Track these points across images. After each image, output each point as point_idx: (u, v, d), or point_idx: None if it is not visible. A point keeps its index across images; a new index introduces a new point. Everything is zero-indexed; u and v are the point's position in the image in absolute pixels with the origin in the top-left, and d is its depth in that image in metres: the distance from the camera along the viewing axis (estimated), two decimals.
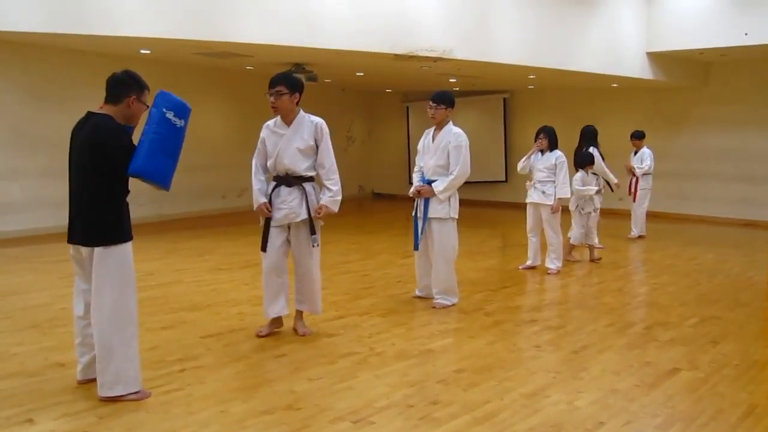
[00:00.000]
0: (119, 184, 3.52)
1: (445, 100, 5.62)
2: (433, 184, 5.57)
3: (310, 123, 4.79)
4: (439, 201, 5.58)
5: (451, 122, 5.70)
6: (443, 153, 5.59)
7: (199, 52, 9.31)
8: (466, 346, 4.71)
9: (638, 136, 10.14)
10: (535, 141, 7.33)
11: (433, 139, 5.73)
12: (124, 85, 3.59)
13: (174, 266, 7.55)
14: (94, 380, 3.69)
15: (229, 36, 7.95)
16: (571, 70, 10.26)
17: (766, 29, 9.58)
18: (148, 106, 3.64)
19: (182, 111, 3.57)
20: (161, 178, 3.50)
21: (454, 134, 5.61)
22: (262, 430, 3.27)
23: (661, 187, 12.72)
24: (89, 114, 3.63)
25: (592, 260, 8.08)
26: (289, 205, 4.70)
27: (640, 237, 10.13)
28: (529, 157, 7.32)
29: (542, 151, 7.31)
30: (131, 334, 3.62)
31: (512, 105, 14.90)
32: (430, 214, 5.62)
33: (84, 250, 3.59)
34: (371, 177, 16.78)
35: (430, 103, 5.62)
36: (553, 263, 7.36)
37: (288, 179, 4.71)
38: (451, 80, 12.44)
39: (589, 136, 8.91)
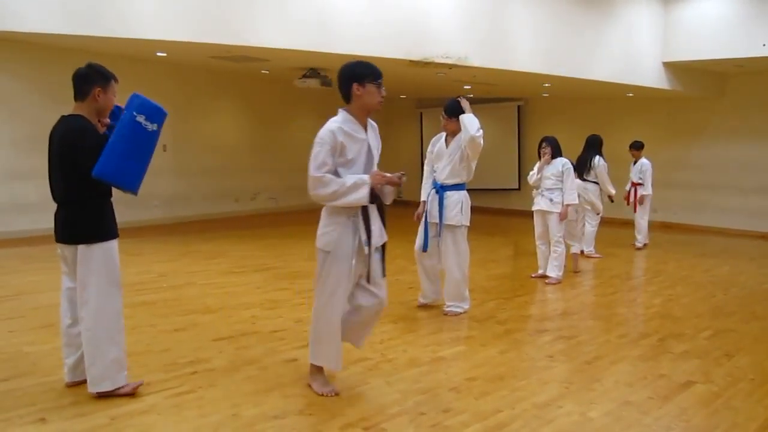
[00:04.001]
0: (91, 185, 3.47)
1: (459, 112, 5.62)
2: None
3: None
4: (453, 207, 5.61)
5: None
6: (458, 159, 5.63)
7: (215, 55, 9.36)
8: (478, 354, 4.68)
9: (637, 147, 10.06)
10: (539, 152, 7.38)
11: (446, 145, 5.74)
12: (87, 79, 3.60)
13: (187, 268, 7.57)
14: (82, 382, 3.74)
15: (246, 40, 7.98)
16: (587, 79, 10.22)
17: None
18: (116, 95, 3.66)
19: (155, 115, 3.53)
20: (125, 182, 3.47)
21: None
22: None
23: (677, 198, 12.66)
24: (61, 117, 3.66)
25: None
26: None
27: (644, 245, 10.17)
28: (541, 169, 7.32)
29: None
30: (116, 330, 3.63)
31: (526, 113, 14.87)
32: (444, 221, 5.64)
33: (67, 249, 3.63)
34: None
35: (444, 114, 5.65)
36: (554, 271, 7.30)
37: None
38: (465, 87, 12.43)
39: (593, 145, 8.98)
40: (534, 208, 7.43)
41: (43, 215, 9.57)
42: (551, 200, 7.21)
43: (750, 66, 10.85)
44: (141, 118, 3.46)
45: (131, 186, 3.51)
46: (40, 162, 9.27)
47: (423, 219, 5.85)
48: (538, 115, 14.68)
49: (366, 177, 3.63)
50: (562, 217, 7.20)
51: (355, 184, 3.60)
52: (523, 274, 7.71)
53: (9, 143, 9.37)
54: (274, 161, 13.70)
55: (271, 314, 5.62)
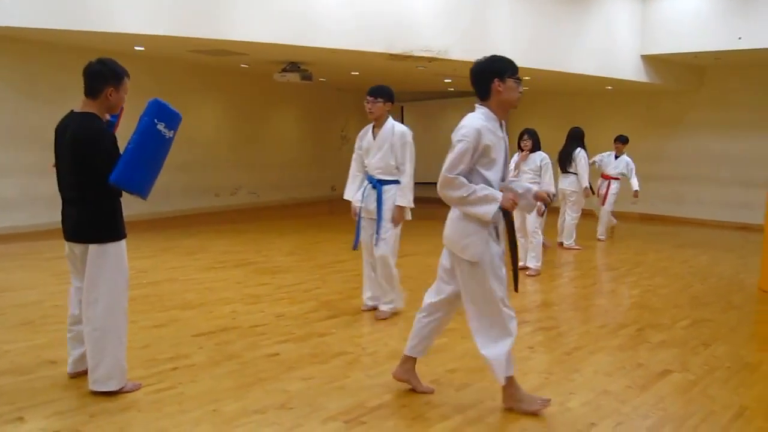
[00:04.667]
0: (105, 185, 3.46)
1: (383, 93, 5.25)
2: (398, 202, 5.24)
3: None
4: (392, 200, 5.25)
5: (390, 118, 5.37)
6: (388, 151, 5.24)
7: (194, 49, 9.29)
8: (459, 346, 4.71)
9: (623, 141, 10.03)
10: (519, 144, 7.39)
11: (374, 137, 5.33)
12: (100, 78, 3.55)
13: (167, 264, 7.53)
14: (84, 372, 3.72)
15: (225, 34, 7.93)
16: (566, 72, 10.27)
17: (760, 33, 9.63)
18: (126, 93, 3.62)
19: (174, 121, 3.52)
20: (140, 189, 3.48)
21: (398, 133, 5.26)
22: (254, 430, 3.26)
23: (656, 190, 12.79)
24: (72, 113, 3.61)
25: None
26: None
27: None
28: (518, 165, 7.35)
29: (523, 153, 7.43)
30: (123, 331, 3.66)
31: None
32: (384, 217, 5.27)
33: (77, 248, 3.61)
34: None
35: (368, 97, 5.24)
36: (532, 262, 7.38)
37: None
38: (446, 80, 12.45)
39: (575, 138, 9.08)
40: None
41: (21, 212, 9.53)
42: None
43: (727, 59, 10.97)
44: (161, 126, 3.44)
45: (143, 192, 3.50)
46: (16, 158, 9.28)
47: (358, 216, 5.44)
48: (518, 108, 14.62)
49: (498, 194, 3.38)
50: (540, 212, 7.20)
51: (486, 198, 3.35)
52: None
53: None
54: (254, 156, 13.64)
55: (252, 309, 5.60)
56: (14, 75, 9.46)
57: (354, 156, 5.56)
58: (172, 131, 3.51)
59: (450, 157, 3.37)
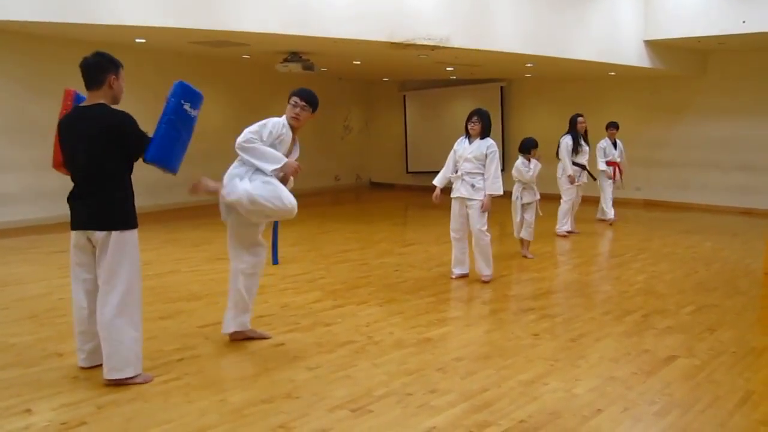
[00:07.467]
0: (128, 168, 3.65)
1: (314, 102, 4.50)
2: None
3: None
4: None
5: None
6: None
7: (196, 41, 9.27)
8: (464, 334, 4.71)
9: (616, 126, 10.11)
10: (466, 127, 6.27)
11: (294, 142, 4.66)
12: (100, 68, 3.61)
13: (172, 256, 7.54)
14: (99, 366, 3.73)
15: (226, 25, 7.91)
16: (569, 59, 10.22)
17: (764, 17, 9.55)
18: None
19: (197, 101, 3.79)
20: (173, 165, 3.68)
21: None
22: (261, 419, 3.27)
23: (660, 176, 12.76)
24: (81, 108, 3.64)
25: (524, 255, 7.58)
26: None
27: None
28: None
29: (470, 138, 6.25)
30: (138, 318, 3.71)
31: (509, 94, 14.84)
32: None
33: (92, 236, 3.61)
34: (368, 166, 16.74)
35: (298, 101, 4.43)
36: (485, 269, 6.32)
37: None
38: (448, 69, 12.40)
39: (569, 124, 9.15)
40: (452, 195, 6.32)
41: (24, 206, 9.55)
42: (473, 186, 6.16)
43: (731, 43, 10.90)
44: (187, 106, 3.69)
45: (175, 168, 3.70)
46: (18, 152, 9.30)
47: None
48: (521, 95, 14.66)
49: None
50: (485, 208, 6.20)
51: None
52: (506, 255, 7.73)
53: None
54: None
55: (257, 299, 5.53)
56: (16, 69, 9.44)
57: (261, 139, 4.54)
58: (196, 110, 3.77)
59: None
